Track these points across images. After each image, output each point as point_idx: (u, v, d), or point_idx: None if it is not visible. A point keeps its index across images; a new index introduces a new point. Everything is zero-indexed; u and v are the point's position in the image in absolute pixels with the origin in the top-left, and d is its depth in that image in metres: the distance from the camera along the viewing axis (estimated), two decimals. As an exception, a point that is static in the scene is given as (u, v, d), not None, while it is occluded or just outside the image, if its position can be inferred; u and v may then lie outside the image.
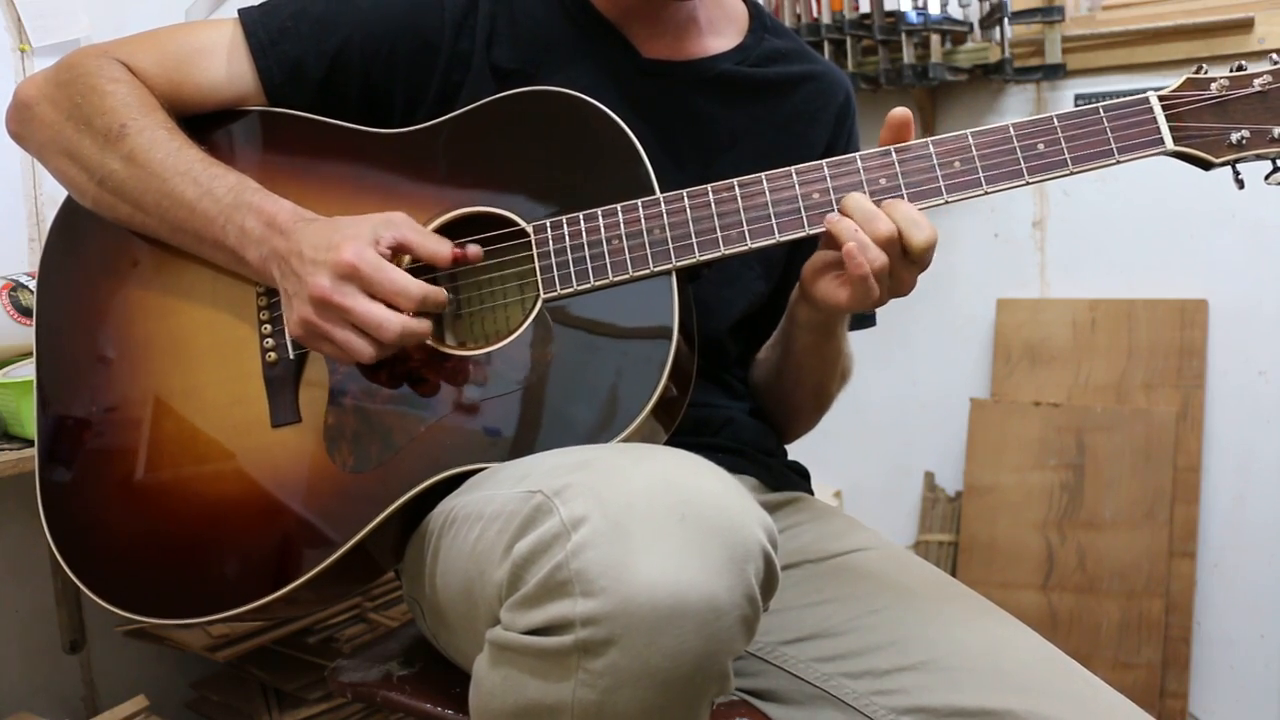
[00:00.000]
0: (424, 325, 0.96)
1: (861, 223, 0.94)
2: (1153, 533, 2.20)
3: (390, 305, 0.94)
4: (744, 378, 1.25)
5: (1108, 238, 2.32)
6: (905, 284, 0.98)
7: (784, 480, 1.21)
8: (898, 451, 2.54)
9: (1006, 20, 2.23)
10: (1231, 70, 0.97)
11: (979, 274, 2.43)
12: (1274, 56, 0.95)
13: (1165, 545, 2.19)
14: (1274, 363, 2.20)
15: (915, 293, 1.00)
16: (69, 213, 1.14)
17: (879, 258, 0.94)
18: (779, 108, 1.19)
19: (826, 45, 2.28)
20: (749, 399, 1.25)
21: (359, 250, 0.94)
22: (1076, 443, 2.28)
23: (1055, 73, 2.26)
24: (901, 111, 0.98)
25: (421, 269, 1.01)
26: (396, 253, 0.97)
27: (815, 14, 2.30)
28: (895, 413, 2.52)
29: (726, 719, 0.99)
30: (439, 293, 0.96)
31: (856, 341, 1.24)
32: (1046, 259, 2.38)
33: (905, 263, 0.96)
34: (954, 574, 2.14)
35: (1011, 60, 2.25)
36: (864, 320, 1.26)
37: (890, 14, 2.22)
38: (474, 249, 1.00)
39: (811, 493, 1.25)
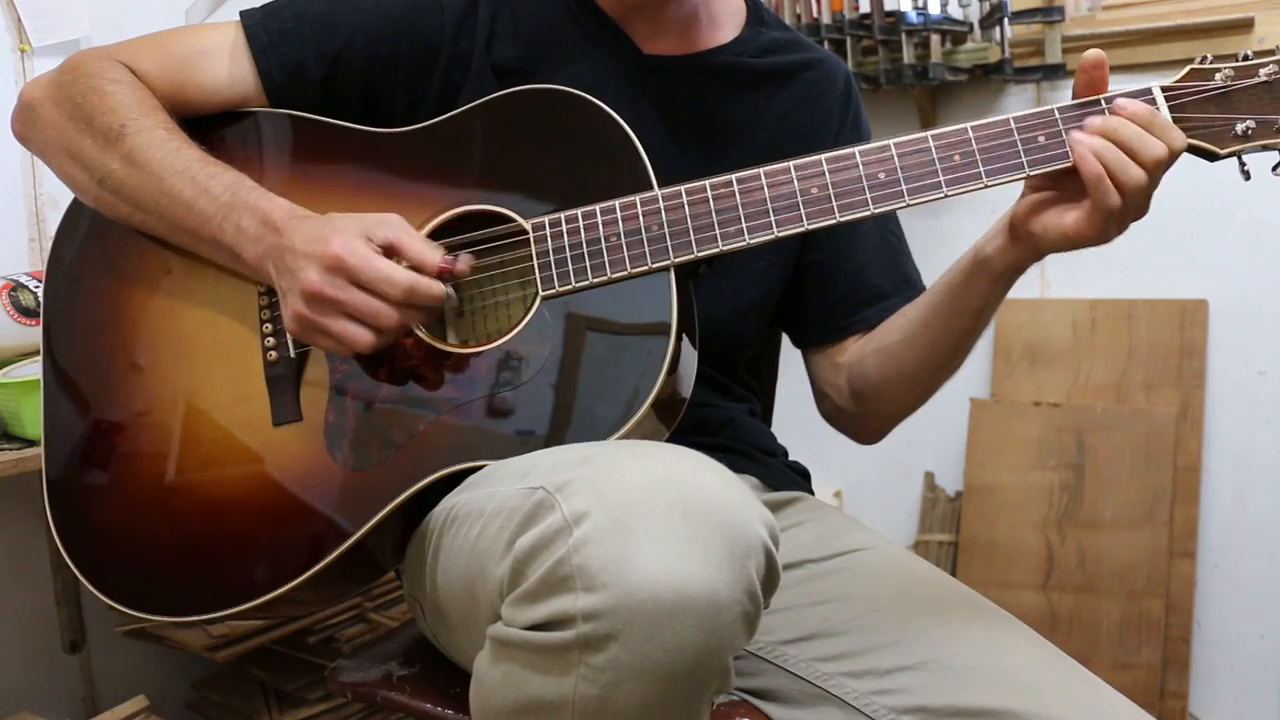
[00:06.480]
0: (423, 316, 0.97)
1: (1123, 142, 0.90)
2: (1153, 533, 2.20)
3: (377, 294, 0.94)
4: (746, 380, 1.25)
5: (1108, 238, 2.31)
6: (1146, 206, 0.93)
7: (784, 480, 1.21)
8: (898, 451, 2.53)
9: (1006, 20, 2.22)
10: (1237, 60, 0.95)
11: (979, 274, 2.42)
12: None
13: (1165, 545, 2.19)
14: (1274, 363, 2.20)
15: (914, 292, 0.98)
16: (76, 211, 1.14)
17: (1138, 177, 0.90)
18: (780, 96, 1.20)
19: (826, 45, 2.28)
20: (749, 399, 1.25)
21: (346, 242, 0.94)
22: (1076, 443, 2.28)
23: (1055, 73, 2.26)
24: (1095, 54, 0.94)
25: None
26: (388, 252, 0.97)
27: (815, 14, 2.30)
28: (895, 413, 2.52)
29: (727, 719, 0.99)
30: (431, 285, 0.95)
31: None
32: (1046, 259, 2.37)
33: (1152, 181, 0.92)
34: (954, 574, 2.14)
35: (1011, 60, 2.24)
36: None
37: (890, 14, 2.22)
38: (463, 264, 0.98)
39: (812, 493, 1.25)
